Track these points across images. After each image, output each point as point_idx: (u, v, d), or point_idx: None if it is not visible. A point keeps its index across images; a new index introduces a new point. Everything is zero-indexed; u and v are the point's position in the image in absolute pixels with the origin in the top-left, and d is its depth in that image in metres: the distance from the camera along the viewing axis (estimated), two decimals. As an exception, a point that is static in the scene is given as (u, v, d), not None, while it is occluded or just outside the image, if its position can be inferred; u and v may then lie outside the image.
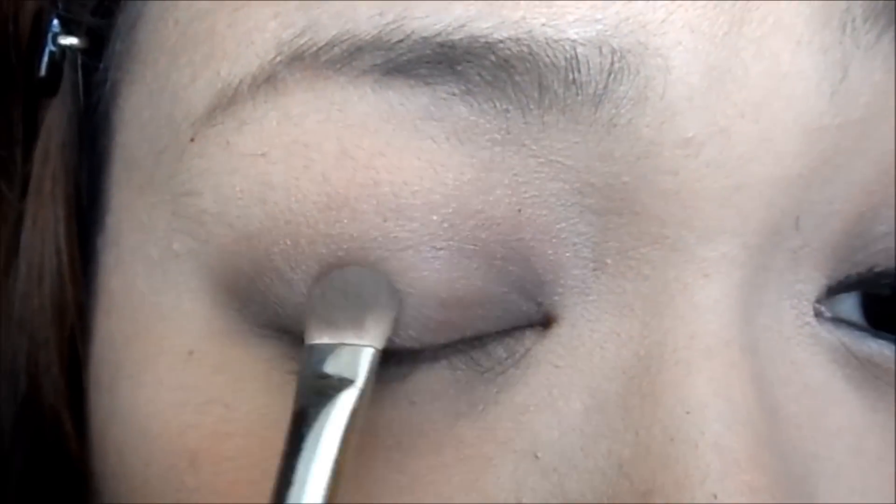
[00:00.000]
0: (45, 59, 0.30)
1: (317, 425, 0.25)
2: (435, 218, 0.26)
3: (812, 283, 0.28)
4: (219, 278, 0.28)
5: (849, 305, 0.29)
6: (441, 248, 0.26)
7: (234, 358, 0.28)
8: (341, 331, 0.26)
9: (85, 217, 0.31)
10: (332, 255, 0.26)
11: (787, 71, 0.26)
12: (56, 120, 0.31)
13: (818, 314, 0.28)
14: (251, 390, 0.28)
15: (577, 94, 0.25)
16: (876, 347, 0.29)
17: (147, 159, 0.29)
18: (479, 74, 0.25)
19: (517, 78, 0.25)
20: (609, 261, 0.26)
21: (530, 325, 0.27)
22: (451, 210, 0.26)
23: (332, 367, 0.26)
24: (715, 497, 0.25)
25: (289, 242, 0.26)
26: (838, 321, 0.29)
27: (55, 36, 0.30)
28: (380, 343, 0.26)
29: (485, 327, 0.27)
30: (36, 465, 0.32)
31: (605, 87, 0.25)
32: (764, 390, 0.26)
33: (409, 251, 0.26)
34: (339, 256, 0.26)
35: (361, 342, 0.26)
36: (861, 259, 0.28)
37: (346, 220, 0.26)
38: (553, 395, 0.27)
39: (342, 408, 0.25)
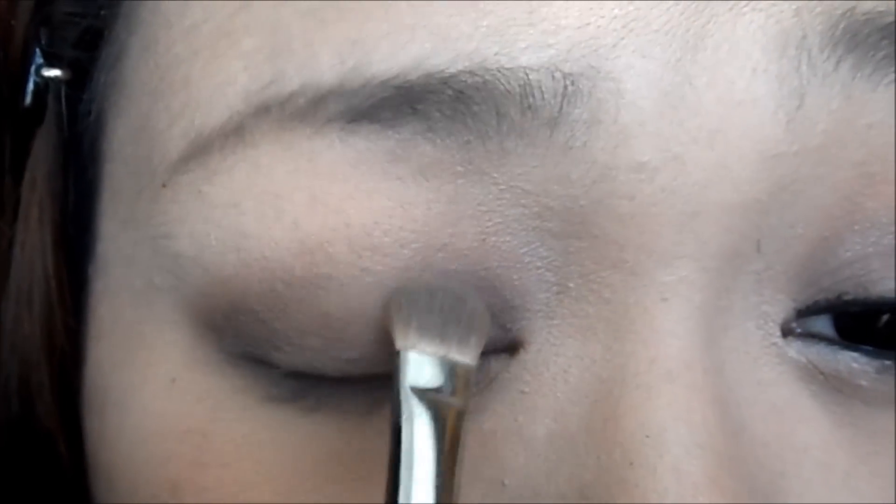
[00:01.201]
0: (30, 89, 0.31)
1: (426, 439, 0.25)
2: (406, 252, 0.26)
3: (778, 305, 0.28)
4: (197, 314, 0.28)
5: (820, 320, 0.29)
6: (414, 279, 0.26)
7: (213, 386, 0.28)
8: (446, 343, 0.26)
9: (75, 245, 0.32)
10: (311, 294, 0.26)
11: (741, 98, 0.26)
12: (42, 149, 0.31)
13: (788, 332, 0.28)
14: (227, 419, 0.28)
15: (533, 119, 0.25)
16: (844, 361, 0.29)
17: (130, 196, 0.29)
18: (439, 110, 0.25)
19: (475, 108, 0.25)
20: (571, 284, 0.27)
21: (496, 351, 0.27)
22: (420, 244, 0.26)
23: (440, 379, 0.25)
24: None
25: (265, 286, 0.27)
26: (808, 337, 0.29)
27: (38, 67, 0.31)
28: (476, 361, 0.26)
29: None
30: (30, 485, 0.33)
31: (560, 110, 0.25)
32: (728, 412, 0.27)
33: (386, 282, 0.26)
34: (318, 296, 0.26)
35: (464, 359, 0.26)
36: (828, 285, 0.28)
37: (321, 263, 0.26)
38: (519, 422, 0.27)
39: (451, 423, 0.25)
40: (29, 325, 0.32)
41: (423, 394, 0.25)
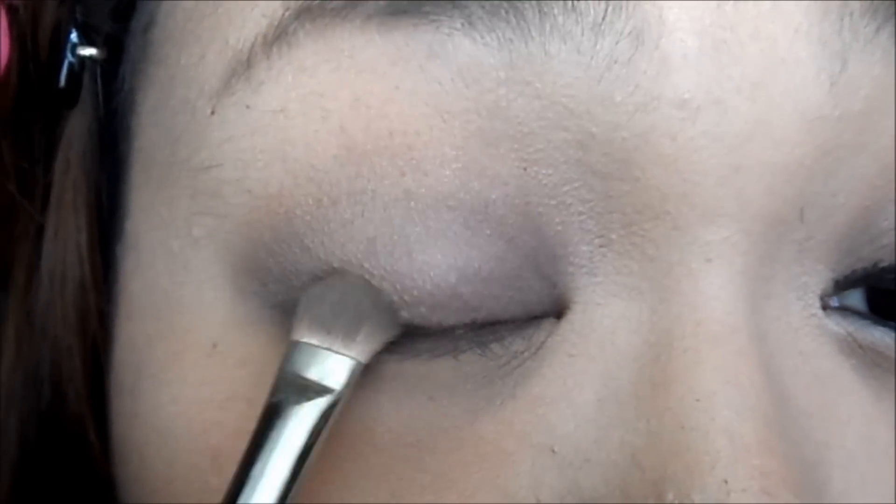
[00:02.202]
0: (65, 70, 0.31)
1: (288, 422, 0.25)
2: (447, 173, 0.26)
3: (817, 276, 0.28)
4: (238, 257, 0.28)
5: (854, 295, 0.29)
6: (455, 209, 0.26)
7: (257, 348, 0.28)
8: (332, 336, 0.26)
9: (106, 228, 0.32)
10: (356, 215, 0.26)
11: (784, 57, 0.26)
12: (76, 130, 0.31)
13: (825, 306, 0.28)
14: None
15: (577, 22, 0.25)
16: (878, 336, 0.29)
17: (164, 151, 0.29)
18: (481, 5, 0.26)
19: (517, 4, 0.25)
20: (614, 236, 0.27)
21: (545, 316, 0.27)
22: (460, 165, 0.26)
23: (316, 370, 0.26)
24: (726, 482, 0.25)
25: (311, 202, 0.27)
26: (844, 311, 0.29)
27: (74, 47, 0.31)
28: (366, 358, 0.26)
29: (499, 309, 0.27)
30: (60, 474, 0.33)
31: (604, 17, 0.25)
32: (773, 379, 0.27)
33: (429, 212, 0.26)
34: (363, 217, 0.26)
35: (349, 353, 0.26)
36: (866, 254, 0.28)
37: (366, 176, 0.26)
38: (568, 386, 0.27)
39: (316, 411, 0.26)
40: (61, 310, 0.31)
41: (296, 380, 0.26)
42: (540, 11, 0.25)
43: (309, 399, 0.26)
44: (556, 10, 0.25)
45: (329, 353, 0.26)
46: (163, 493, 0.29)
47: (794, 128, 0.26)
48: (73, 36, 0.31)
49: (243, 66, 0.27)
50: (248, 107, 0.27)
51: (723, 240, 0.26)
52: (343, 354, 0.26)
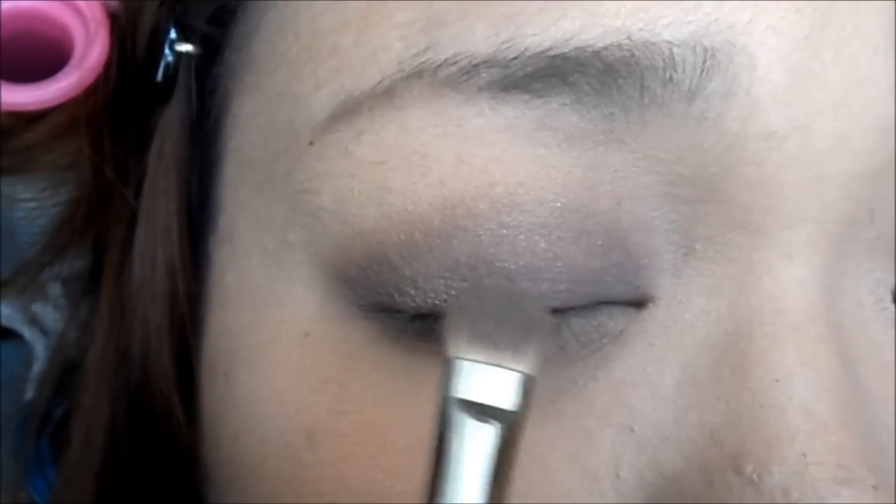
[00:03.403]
0: (162, 65, 0.33)
1: (476, 456, 0.23)
2: (545, 211, 0.27)
3: (887, 272, 0.29)
4: (330, 268, 0.29)
5: None
6: (548, 235, 0.27)
7: (345, 338, 0.29)
8: (500, 351, 0.23)
9: (195, 219, 0.33)
10: (446, 244, 0.27)
11: (864, 75, 0.27)
12: (170, 122, 0.33)
13: (895, 300, 0.29)
14: (362, 369, 0.29)
15: (673, 91, 0.27)
16: None
17: (264, 160, 0.31)
18: (588, 83, 0.27)
19: (620, 81, 0.27)
20: (698, 246, 0.28)
21: (623, 305, 0.28)
22: (559, 205, 0.27)
23: (492, 390, 0.23)
24: (804, 456, 0.26)
25: (403, 237, 0.28)
26: None
27: (172, 43, 0.32)
28: (536, 371, 0.24)
29: (578, 300, 0.28)
30: (147, 450, 0.34)
31: (698, 83, 0.27)
32: (848, 365, 0.28)
33: (521, 236, 0.27)
34: (452, 246, 0.27)
35: (522, 367, 0.23)
36: None
37: (461, 216, 0.27)
38: (648, 372, 0.28)
39: (496, 435, 0.23)
40: (151, 291, 0.33)
41: (472, 405, 0.23)
42: (641, 86, 0.27)
43: (486, 422, 0.23)
44: (654, 84, 0.27)
45: (500, 369, 0.23)
46: (258, 470, 0.31)
47: (871, 138, 0.28)
48: (172, 32, 0.32)
49: (349, 111, 0.28)
50: (346, 150, 0.28)
51: (803, 240, 0.28)
52: (515, 369, 0.23)
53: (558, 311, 0.28)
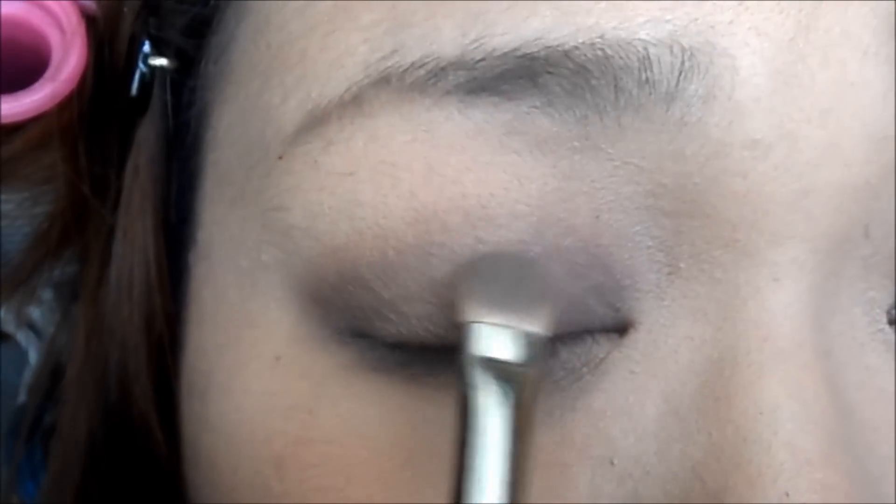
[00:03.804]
0: (137, 79, 0.32)
1: (499, 412, 0.24)
2: (521, 225, 0.26)
3: (884, 292, 0.28)
4: (304, 287, 0.28)
5: None
6: (530, 254, 0.26)
7: (317, 362, 0.29)
8: (516, 312, 0.25)
9: (175, 233, 0.33)
10: (423, 262, 0.27)
11: (853, 80, 0.26)
12: (146, 137, 0.32)
13: (891, 321, 0.28)
14: (332, 396, 0.28)
15: (650, 94, 0.26)
16: None
17: (238, 175, 0.30)
18: (559, 84, 0.26)
19: (593, 82, 0.26)
20: (682, 264, 0.27)
21: (605, 332, 0.27)
22: (535, 219, 0.26)
23: (509, 348, 0.24)
24: (787, 495, 0.25)
25: (376, 254, 0.27)
26: None
27: (146, 57, 0.32)
28: (550, 331, 0.25)
29: (560, 328, 0.27)
30: (128, 468, 0.33)
31: (677, 85, 0.26)
32: (837, 393, 0.27)
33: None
34: (429, 263, 0.27)
35: (536, 328, 0.25)
36: None
37: (435, 231, 0.27)
38: (629, 401, 0.27)
39: (526, 392, 0.24)
40: (129, 310, 0.32)
41: (491, 364, 0.24)
42: (616, 87, 0.26)
43: (512, 384, 0.24)
44: (630, 85, 0.26)
45: (515, 329, 0.24)
46: (229, 498, 0.30)
47: (862, 149, 0.26)
48: (146, 46, 0.32)
49: (316, 122, 0.28)
50: (316, 162, 0.28)
51: (791, 260, 0.27)
52: (528, 330, 0.24)
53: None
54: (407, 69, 0.26)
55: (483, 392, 0.24)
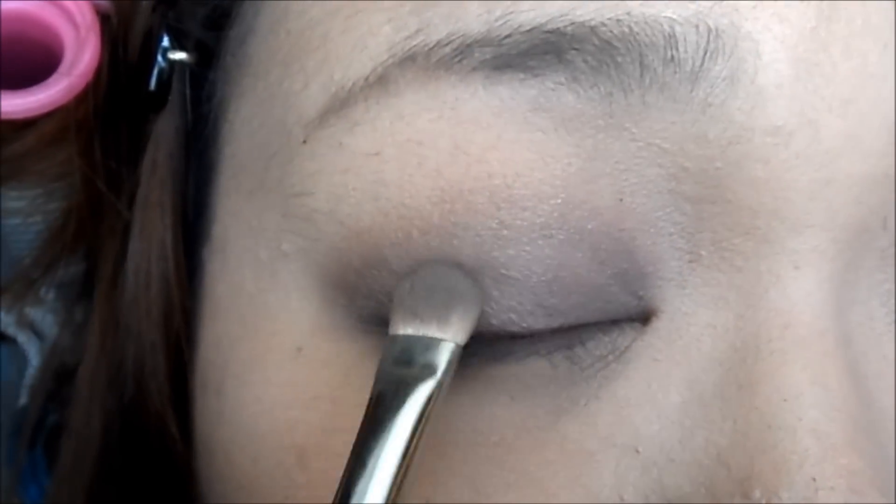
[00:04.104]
0: (155, 74, 0.32)
1: (393, 411, 0.25)
2: (545, 208, 0.27)
3: None
4: (327, 275, 0.28)
5: None
6: (551, 237, 0.27)
7: (341, 352, 0.29)
8: (426, 323, 0.26)
9: (191, 229, 0.33)
10: (446, 244, 0.27)
11: (874, 72, 0.26)
12: (164, 131, 0.32)
13: None
14: (357, 385, 0.28)
15: (675, 72, 0.26)
16: None
17: (257, 165, 0.30)
18: (585, 60, 0.26)
19: (619, 59, 0.26)
20: (703, 252, 0.27)
21: (630, 321, 0.28)
22: (559, 201, 0.27)
23: (413, 357, 0.26)
24: (814, 480, 0.25)
25: (400, 235, 0.27)
26: None
27: (165, 51, 0.32)
28: (462, 339, 0.26)
29: (584, 315, 0.27)
30: (141, 467, 0.33)
31: (701, 65, 0.26)
32: (859, 381, 0.27)
33: (523, 239, 0.27)
34: (453, 245, 0.27)
35: (444, 336, 0.26)
36: None
37: (460, 212, 0.27)
38: (652, 389, 0.27)
39: (419, 397, 0.25)
40: (146, 306, 0.32)
41: (396, 371, 0.26)
42: (641, 64, 0.26)
43: (410, 387, 0.25)
44: (655, 63, 0.26)
45: (424, 339, 0.26)
46: (248, 490, 0.30)
47: (881, 140, 0.27)
48: (165, 40, 0.32)
49: (341, 104, 0.28)
50: (341, 144, 0.28)
51: (811, 248, 0.27)
52: (439, 338, 0.26)
53: (572, 329, 0.27)
54: (433, 47, 0.26)
55: (381, 396, 0.26)
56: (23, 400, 0.38)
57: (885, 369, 0.28)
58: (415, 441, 0.25)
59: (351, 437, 0.28)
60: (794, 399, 0.26)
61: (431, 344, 0.26)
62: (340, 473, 0.28)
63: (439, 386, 0.26)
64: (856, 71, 0.26)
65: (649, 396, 0.27)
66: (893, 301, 0.28)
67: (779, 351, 0.26)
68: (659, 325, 0.27)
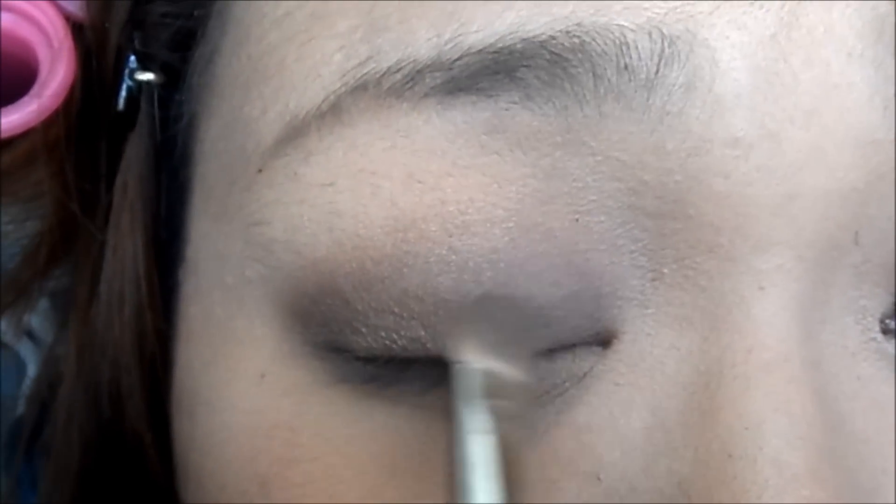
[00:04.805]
0: (123, 94, 0.32)
1: (482, 448, 0.25)
2: (496, 231, 0.26)
3: (876, 300, 0.27)
4: (285, 302, 0.28)
5: None
6: (496, 262, 0.26)
7: (299, 379, 0.28)
8: (504, 358, 0.25)
9: (166, 250, 0.32)
10: (396, 273, 0.26)
11: (837, 82, 0.26)
12: (134, 153, 0.32)
13: (885, 329, 0.28)
14: (314, 413, 0.28)
15: (630, 80, 0.25)
16: None
17: (221, 189, 0.30)
18: (537, 77, 0.25)
19: (572, 71, 0.25)
20: (666, 270, 0.26)
21: (587, 344, 0.27)
22: (511, 224, 0.26)
23: (495, 393, 0.25)
24: None
25: (354, 266, 0.27)
26: None
27: (132, 72, 0.31)
28: (531, 378, 0.26)
29: (537, 344, 0.27)
30: (121, 488, 0.33)
31: (657, 72, 0.25)
32: (827, 405, 0.26)
33: (469, 264, 0.26)
34: (402, 273, 0.26)
35: (520, 373, 0.25)
36: None
37: (412, 240, 0.26)
38: (614, 415, 0.27)
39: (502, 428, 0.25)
40: (120, 328, 0.32)
41: (477, 405, 0.25)
42: (594, 75, 0.25)
43: (496, 423, 0.25)
44: (609, 72, 0.25)
45: (503, 375, 0.25)
46: None
47: (847, 153, 0.26)
48: (132, 60, 0.31)
49: (295, 133, 0.27)
50: (296, 174, 0.27)
51: (776, 267, 0.26)
52: (515, 375, 0.25)
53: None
54: (383, 74, 0.26)
55: (469, 433, 0.25)
56: (20, 410, 0.39)
57: (858, 390, 0.27)
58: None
59: (310, 468, 0.28)
60: (756, 427, 0.25)
61: (510, 379, 0.25)
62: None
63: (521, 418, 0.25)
64: (818, 81, 0.25)
65: (611, 422, 0.27)
66: (869, 318, 0.27)
67: (742, 376, 0.26)
68: (620, 347, 0.27)
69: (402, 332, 0.27)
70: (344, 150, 0.27)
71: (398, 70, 0.26)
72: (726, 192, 0.26)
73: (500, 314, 0.26)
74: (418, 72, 0.26)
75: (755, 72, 0.25)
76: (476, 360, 0.25)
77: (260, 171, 0.28)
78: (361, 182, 0.26)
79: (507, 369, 0.25)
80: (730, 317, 0.26)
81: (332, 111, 0.27)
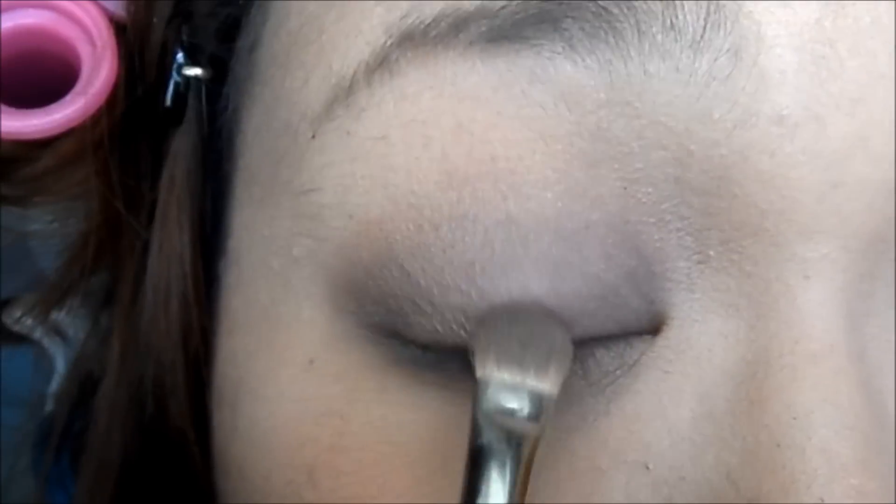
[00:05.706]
0: (171, 90, 0.32)
1: (502, 464, 0.25)
2: (549, 196, 0.26)
3: None
4: (336, 277, 0.28)
5: None
6: (557, 231, 0.26)
7: (351, 365, 0.28)
8: (524, 371, 0.25)
9: (208, 244, 0.33)
10: (458, 240, 0.26)
11: (884, 72, 0.26)
12: (182, 148, 0.32)
13: None
14: (366, 401, 0.28)
15: (676, 41, 0.25)
16: None
17: (266, 171, 0.30)
18: (581, 28, 0.26)
19: (616, 24, 0.25)
20: (712, 252, 0.26)
21: (638, 333, 0.27)
22: (562, 188, 0.26)
23: (515, 405, 0.25)
24: (822, 500, 0.25)
25: (411, 228, 0.27)
26: None
27: (180, 67, 0.31)
28: (557, 390, 0.26)
29: (594, 327, 0.27)
30: (162, 486, 0.33)
31: (703, 35, 0.25)
32: (872, 398, 0.26)
33: (531, 235, 0.26)
34: (464, 241, 0.26)
35: (543, 386, 0.25)
36: None
37: (467, 200, 0.26)
38: (663, 403, 0.27)
39: (527, 449, 0.25)
40: (165, 325, 0.32)
41: (497, 419, 0.25)
42: (639, 31, 0.25)
43: (518, 436, 0.25)
44: (654, 29, 0.25)
45: (524, 387, 0.25)
46: None
47: (893, 144, 0.26)
48: (180, 56, 0.31)
49: (345, 93, 0.27)
50: (348, 133, 0.27)
51: (821, 256, 0.26)
52: (539, 388, 0.25)
53: (580, 342, 0.27)
54: (429, 24, 0.26)
55: (488, 446, 0.25)
56: (49, 407, 0.39)
57: None
58: (521, 494, 0.25)
59: (359, 456, 0.28)
60: (804, 417, 0.26)
61: (533, 393, 0.25)
62: (349, 493, 0.28)
63: (542, 438, 0.25)
64: (865, 70, 0.26)
65: (660, 411, 0.27)
66: None
67: (789, 366, 0.26)
68: (669, 333, 0.27)
69: (469, 314, 0.26)
70: (395, 102, 0.27)
71: (443, 19, 0.26)
72: (771, 173, 0.26)
73: (520, 328, 0.26)
74: (463, 20, 0.26)
75: (800, 52, 0.25)
76: (497, 373, 0.25)
77: (313, 136, 0.28)
78: (413, 133, 0.27)
79: (529, 381, 0.25)
80: (776, 305, 0.26)
81: (381, 64, 0.27)
